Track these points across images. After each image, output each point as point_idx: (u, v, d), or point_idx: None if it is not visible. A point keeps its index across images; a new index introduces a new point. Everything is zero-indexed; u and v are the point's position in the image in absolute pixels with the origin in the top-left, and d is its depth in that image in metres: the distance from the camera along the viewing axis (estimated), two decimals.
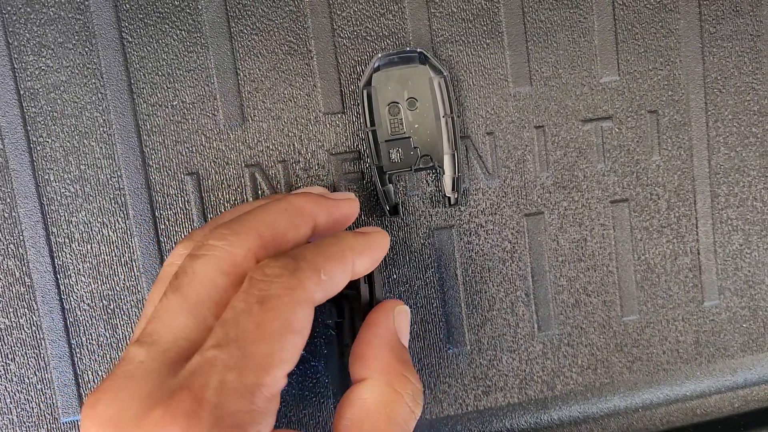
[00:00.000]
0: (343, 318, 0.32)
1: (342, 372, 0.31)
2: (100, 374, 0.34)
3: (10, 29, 0.32)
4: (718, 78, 0.38)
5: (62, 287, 0.34)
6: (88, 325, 0.34)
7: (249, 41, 0.34)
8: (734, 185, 0.38)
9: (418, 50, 0.35)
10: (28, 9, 0.32)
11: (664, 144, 0.37)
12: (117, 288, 0.34)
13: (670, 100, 0.37)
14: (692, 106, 0.37)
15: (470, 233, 0.36)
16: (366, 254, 0.29)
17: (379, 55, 0.34)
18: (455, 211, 0.36)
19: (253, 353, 0.23)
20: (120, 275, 0.34)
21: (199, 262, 0.26)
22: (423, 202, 0.36)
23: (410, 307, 0.36)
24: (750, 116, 0.38)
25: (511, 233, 0.37)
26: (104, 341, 0.34)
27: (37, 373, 0.34)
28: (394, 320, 0.30)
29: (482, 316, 0.37)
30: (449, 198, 0.35)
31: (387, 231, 0.35)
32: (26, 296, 0.33)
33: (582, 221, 0.37)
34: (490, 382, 0.37)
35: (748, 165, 0.38)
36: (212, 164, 0.34)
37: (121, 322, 0.34)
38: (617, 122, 0.37)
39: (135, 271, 0.34)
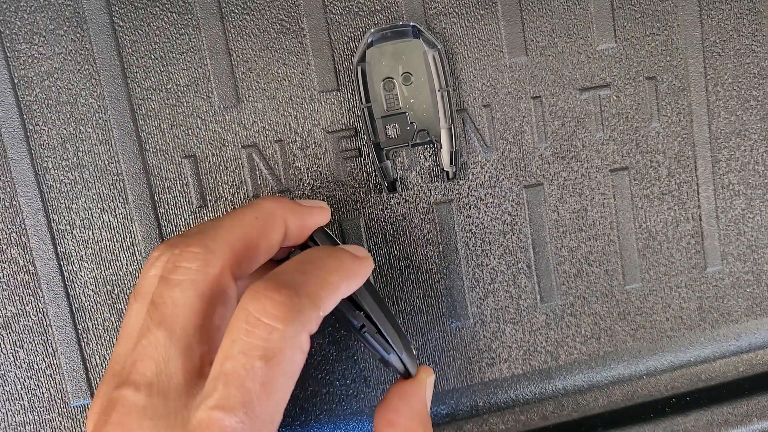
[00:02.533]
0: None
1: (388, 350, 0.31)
2: (107, 358, 0.35)
3: (1, 18, 0.32)
4: (717, 41, 0.37)
5: (66, 274, 0.34)
6: (93, 310, 0.34)
7: (241, 21, 0.34)
8: (735, 149, 0.38)
9: (412, 24, 0.34)
10: None
11: (663, 110, 0.37)
12: (120, 273, 0.34)
13: (669, 65, 0.37)
14: (691, 71, 0.37)
15: (470, 207, 0.36)
16: (353, 282, 0.28)
17: (372, 30, 0.34)
18: (454, 185, 0.36)
19: (261, 415, 0.23)
20: (122, 260, 0.34)
21: (177, 290, 0.25)
22: (421, 177, 0.36)
23: (412, 282, 0.36)
24: (750, 79, 0.38)
25: (511, 205, 0.37)
26: (110, 325, 0.34)
27: (45, 359, 0.34)
28: (426, 391, 0.31)
29: (484, 289, 0.37)
30: (447, 172, 0.35)
31: (387, 207, 0.35)
32: (31, 284, 0.34)
33: (582, 191, 0.37)
34: (494, 354, 0.37)
35: (749, 128, 0.38)
36: (209, 146, 0.34)
37: (126, 306, 0.34)
38: (615, 90, 0.36)
39: (137, 255, 0.34)
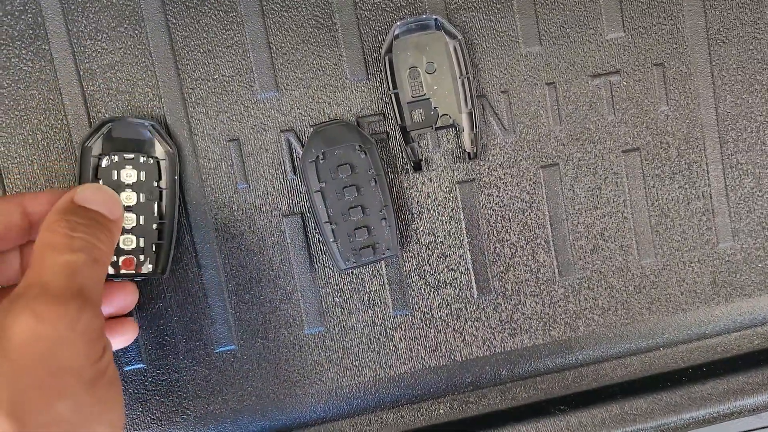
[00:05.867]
0: None
1: None
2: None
3: (70, 17, 0.36)
4: (721, 29, 0.40)
5: None
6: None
7: (280, 17, 0.37)
8: (742, 131, 0.40)
9: (434, 17, 0.38)
10: None
11: (671, 94, 0.40)
12: None
13: (675, 52, 0.39)
14: (697, 57, 0.40)
15: (490, 186, 0.39)
16: None
17: (398, 23, 0.37)
18: (475, 165, 0.39)
19: None
20: None
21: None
22: (445, 158, 0.39)
23: (437, 256, 0.39)
24: (755, 64, 0.40)
25: (529, 184, 0.39)
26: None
27: None
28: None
29: (505, 263, 0.39)
30: (469, 153, 0.38)
31: (413, 186, 0.38)
32: None
33: (596, 171, 0.39)
34: (516, 325, 0.40)
35: (755, 111, 0.40)
36: (251, 131, 0.38)
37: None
38: (625, 76, 0.39)
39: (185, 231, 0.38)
